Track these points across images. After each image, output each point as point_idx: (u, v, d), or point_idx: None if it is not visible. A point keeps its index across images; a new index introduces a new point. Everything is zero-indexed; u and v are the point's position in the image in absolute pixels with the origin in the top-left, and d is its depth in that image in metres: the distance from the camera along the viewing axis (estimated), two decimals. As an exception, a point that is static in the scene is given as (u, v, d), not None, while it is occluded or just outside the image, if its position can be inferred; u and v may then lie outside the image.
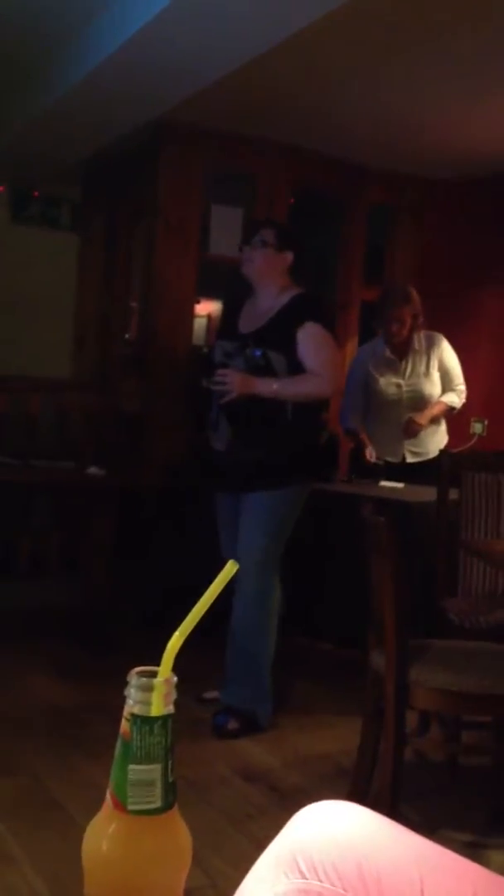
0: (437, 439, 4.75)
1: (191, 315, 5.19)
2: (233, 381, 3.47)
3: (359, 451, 4.74)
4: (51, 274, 5.93)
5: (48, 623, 4.52)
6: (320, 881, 1.05)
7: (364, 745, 2.81)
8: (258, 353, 3.51)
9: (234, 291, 3.83)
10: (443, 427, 4.80)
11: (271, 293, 3.60)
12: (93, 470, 4.59)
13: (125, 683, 0.76)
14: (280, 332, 3.51)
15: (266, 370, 3.48)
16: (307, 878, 1.05)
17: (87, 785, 2.87)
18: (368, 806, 1.19)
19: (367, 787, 2.78)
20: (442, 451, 4.10)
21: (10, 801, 2.78)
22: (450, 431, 4.88)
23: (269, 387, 3.45)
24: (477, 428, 5.52)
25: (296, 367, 3.48)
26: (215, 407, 3.58)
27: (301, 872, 1.06)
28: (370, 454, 4.62)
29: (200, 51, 3.52)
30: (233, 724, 3.43)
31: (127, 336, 5.83)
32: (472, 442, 5.50)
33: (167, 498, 4.78)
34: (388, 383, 4.68)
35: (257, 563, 3.45)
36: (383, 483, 4.48)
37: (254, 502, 3.51)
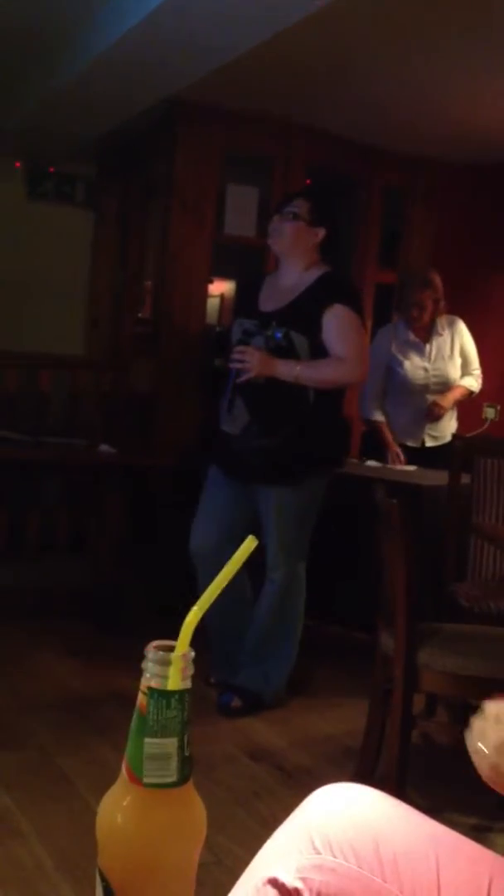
0: (452, 424, 4.75)
1: (204, 295, 5.17)
2: (252, 360, 3.29)
3: (374, 435, 4.73)
4: (65, 251, 5.91)
5: (57, 601, 4.53)
6: (335, 857, 1.05)
7: (371, 726, 2.82)
8: (279, 333, 3.32)
9: (252, 270, 3.76)
10: (455, 411, 4.79)
11: (297, 270, 3.43)
12: (104, 448, 4.59)
13: (134, 662, 0.76)
14: (305, 313, 3.34)
15: (288, 352, 3.31)
16: (321, 854, 1.06)
17: (94, 761, 2.89)
18: (374, 787, 1.20)
19: (374, 769, 2.79)
20: (455, 436, 4.10)
21: (17, 776, 2.79)
22: (462, 416, 4.88)
23: (291, 369, 3.27)
24: (489, 413, 5.50)
25: (318, 351, 3.31)
26: (230, 387, 3.40)
27: (316, 849, 1.06)
28: (395, 456, 4.62)
29: (218, 28, 3.49)
30: (236, 703, 3.43)
31: (140, 315, 5.82)
32: (485, 427, 5.48)
33: (178, 478, 4.78)
34: (414, 367, 4.65)
35: (287, 555, 3.41)
36: (397, 466, 4.49)
37: (273, 496, 3.39)
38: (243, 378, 3.32)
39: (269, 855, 1.12)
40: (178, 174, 4.98)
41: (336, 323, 3.31)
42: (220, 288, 6.02)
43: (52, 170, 5.85)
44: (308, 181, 5.27)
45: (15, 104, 5.08)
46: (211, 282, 5.28)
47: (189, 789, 0.77)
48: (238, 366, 3.33)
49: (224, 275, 5.84)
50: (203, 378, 4.93)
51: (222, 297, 6.08)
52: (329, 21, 3.53)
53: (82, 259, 5.99)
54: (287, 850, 1.09)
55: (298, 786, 2.88)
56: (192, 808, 0.77)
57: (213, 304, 5.66)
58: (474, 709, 1.19)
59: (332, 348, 3.31)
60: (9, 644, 4.01)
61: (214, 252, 5.12)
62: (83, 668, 3.83)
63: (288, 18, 3.30)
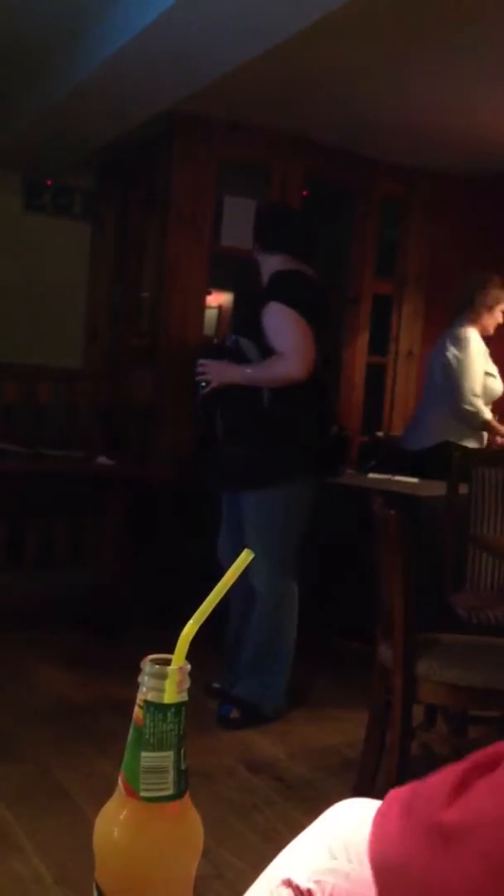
0: None
1: (202, 306, 5.18)
2: (210, 371, 3.46)
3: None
4: (63, 263, 5.92)
5: (56, 612, 4.53)
6: (350, 863, 1.07)
7: (370, 738, 2.81)
8: (230, 341, 3.49)
9: (246, 284, 3.80)
10: None
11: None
12: (102, 460, 4.59)
13: (133, 673, 0.76)
14: (250, 317, 3.45)
15: (241, 357, 3.42)
16: (337, 859, 1.08)
17: (94, 774, 2.88)
18: (374, 799, 1.21)
19: (373, 781, 2.78)
20: (452, 446, 4.10)
21: (16, 789, 2.79)
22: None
23: (242, 373, 3.39)
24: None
25: (267, 352, 3.39)
26: (200, 399, 3.57)
27: (332, 854, 1.08)
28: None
29: (214, 41, 3.51)
30: (235, 714, 3.43)
31: (138, 326, 5.82)
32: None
33: (176, 489, 4.78)
34: (496, 380, 4.64)
35: (265, 565, 3.39)
36: (397, 477, 4.48)
37: (247, 502, 3.45)
38: (206, 389, 3.48)
39: (285, 858, 1.14)
40: (175, 186, 4.99)
41: (271, 321, 3.38)
42: (218, 299, 6.02)
43: (49, 182, 5.87)
44: (304, 192, 5.29)
45: (12, 117, 5.10)
46: (209, 293, 5.29)
47: (186, 803, 0.76)
48: (199, 378, 3.50)
49: (222, 286, 5.84)
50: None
51: (220, 308, 6.08)
52: (325, 33, 3.54)
53: (80, 271, 6.01)
54: (304, 854, 1.12)
55: (298, 798, 2.88)
56: (190, 822, 0.77)
57: (210, 315, 5.67)
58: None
59: (274, 346, 3.37)
60: (8, 655, 4.01)
61: (212, 264, 5.14)
62: (82, 679, 3.82)
63: (283, 32, 3.32)
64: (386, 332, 5.77)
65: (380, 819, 0.93)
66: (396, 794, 0.93)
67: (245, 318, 3.51)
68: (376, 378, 5.75)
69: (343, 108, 4.68)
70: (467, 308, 4.57)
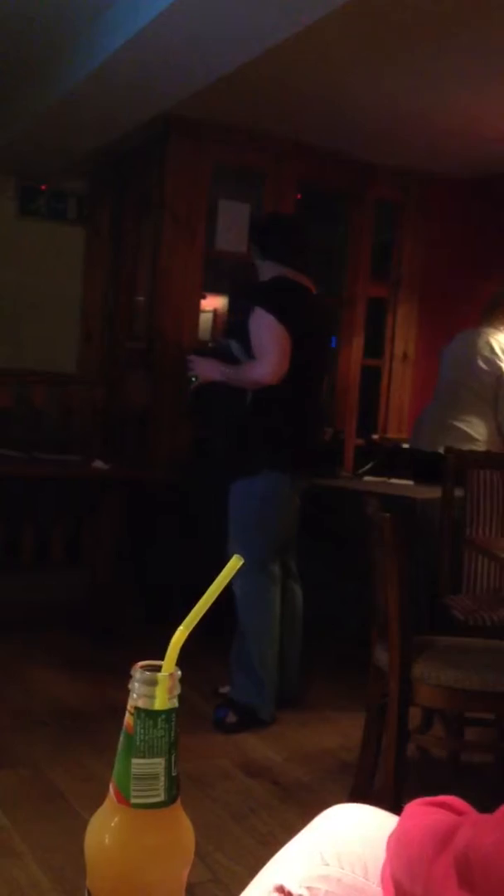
0: None
1: (197, 310, 5.18)
2: (196, 367, 3.66)
3: None
4: (58, 267, 5.92)
5: (53, 615, 4.53)
6: (342, 869, 1.07)
7: (367, 741, 2.81)
8: (225, 342, 3.66)
9: (241, 287, 3.88)
10: None
11: None
12: (98, 464, 4.59)
13: (129, 677, 0.76)
14: (239, 320, 3.59)
15: (231, 359, 3.57)
16: (329, 865, 1.08)
17: (89, 777, 2.88)
18: (372, 802, 1.21)
19: (370, 783, 2.78)
20: (447, 449, 4.10)
21: (12, 793, 2.78)
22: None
23: (222, 372, 3.56)
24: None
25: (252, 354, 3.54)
26: (189, 394, 3.81)
27: (324, 860, 1.08)
28: None
29: (209, 45, 3.51)
30: (231, 718, 3.44)
31: (133, 330, 5.83)
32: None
33: (172, 492, 4.78)
34: None
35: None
36: (393, 480, 4.47)
37: (229, 496, 3.56)
38: (193, 385, 3.69)
39: (277, 864, 1.14)
40: (169, 190, 5.00)
41: (252, 326, 3.47)
42: (213, 303, 6.03)
43: (44, 188, 5.87)
44: (298, 196, 5.30)
45: (6, 121, 5.11)
46: (203, 297, 5.29)
47: (177, 809, 0.77)
48: (189, 374, 3.71)
49: (217, 290, 5.85)
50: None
51: (215, 312, 6.09)
52: (318, 37, 3.56)
53: (75, 275, 6.01)
54: (296, 860, 1.12)
55: (295, 801, 2.87)
56: (181, 829, 0.77)
57: (205, 319, 5.67)
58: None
59: (253, 350, 3.49)
60: (4, 658, 4.01)
61: (207, 267, 5.14)
62: (78, 682, 3.82)
63: (275, 36, 3.32)
64: (381, 335, 5.77)
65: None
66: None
67: (237, 321, 3.63)
68: (371, 381, 5.76)
69: (336, 111, 4.69)
70: (499, 314, 4.51)
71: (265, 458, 3.49)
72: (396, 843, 0.98)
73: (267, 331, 3.41)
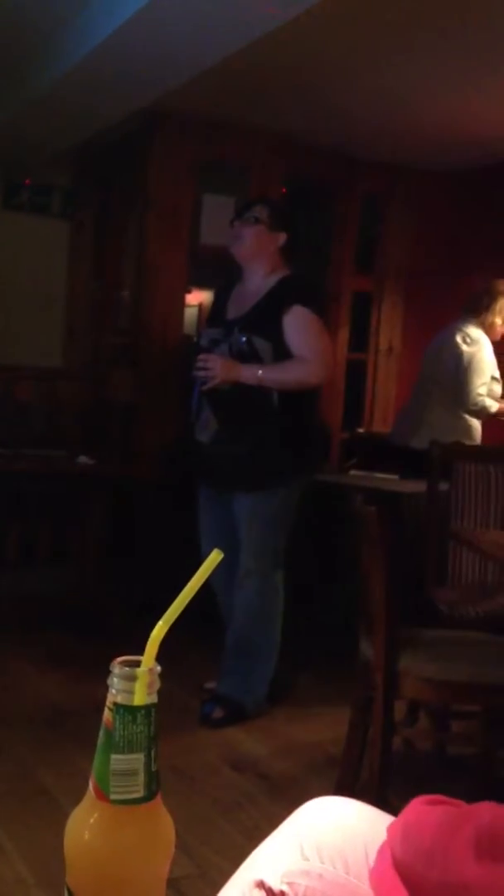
0: None
1: (182, 304, 5.17)
2: (215, 367, 3.30)
3: None
4: (42, 262, 5.89)
5: (38, 612, 4.51)
6: (322, 864, 1.07)
7: (353, 734, 2.81)
8: (243, 339, 3.33)
9: (227, 279, 3.75)
10: None
11: (260, 275, 3.44)
12: (83, 459, 4.58)
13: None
14: (266, 317, 3.34)
15: (251, 357, 3.32)
16: (309, 860, 1.08)
17: (75, 773, 2.87)
18: (357, 795, 1.21)
19: (356, 776, 2.78)
20: (433, 442, 4.11)
21: (-2, 790, 2.77)
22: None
23: (254, 373, 3.27)
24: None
25: (281, 355, 3.31)
26: (197, 395, 3.41)
27: (304, 855, 1.08)
28: None
29: (193, 38, 3.50)
30: (218, 713, 3.42)
31: (118, 325, 5.81)
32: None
33: (157, 488, 4.77)
34: (498, 384, 4.63)
35: (260, 563, 3.39)
36: (378, 474, 4.48)
37: (245, 503, 3.40)
38: (208, 385, 3.33)
39: (257, 859, 1.13)
40: (154, 184, 4.98)
41: (296, 325, 3.32)
42: (198, 298, 6.02)
43: (27, 182, 5.84)
44: (284, 189, 5.29)
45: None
46: (189, 291, 5.29)
47: (157, 805, 0.76)
48: (202, 374, 3.34)
49: (202, 284, 5.84)
50: (181, 388, 4.93)
51: (200, 306, 6.08)
52: (303, 30, 3.54)
53: (59, 270, 5.98)
54: (276, 855, 1.12)
55: (282, 795, 2.87)
56: (160, 824, 0.77)
57: (190, 313, 5.66)
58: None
59: (295, 350, 3.31)
60: (-11, 656, 4.00)
61: (192, 262, 5.13)
62: (64, 678, 3.81)
63: (260, 28, 3.31)
64: (366, 329, 5.78)
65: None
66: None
67: (259, 318, 3.36)
68: (356, 374, 5.76)
69: (322, 104, 4.68)
70: (482, 311, 4.57)
71: (295, 465, 3.40)
72: (406, 830, 0.99)
73: (321, 332, 3.36)
